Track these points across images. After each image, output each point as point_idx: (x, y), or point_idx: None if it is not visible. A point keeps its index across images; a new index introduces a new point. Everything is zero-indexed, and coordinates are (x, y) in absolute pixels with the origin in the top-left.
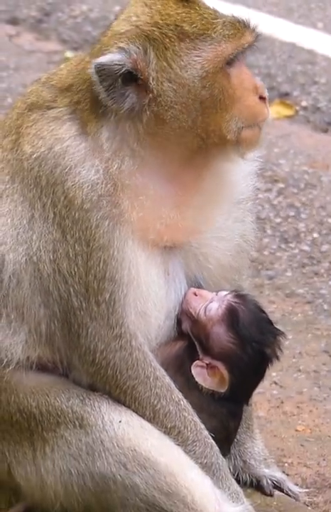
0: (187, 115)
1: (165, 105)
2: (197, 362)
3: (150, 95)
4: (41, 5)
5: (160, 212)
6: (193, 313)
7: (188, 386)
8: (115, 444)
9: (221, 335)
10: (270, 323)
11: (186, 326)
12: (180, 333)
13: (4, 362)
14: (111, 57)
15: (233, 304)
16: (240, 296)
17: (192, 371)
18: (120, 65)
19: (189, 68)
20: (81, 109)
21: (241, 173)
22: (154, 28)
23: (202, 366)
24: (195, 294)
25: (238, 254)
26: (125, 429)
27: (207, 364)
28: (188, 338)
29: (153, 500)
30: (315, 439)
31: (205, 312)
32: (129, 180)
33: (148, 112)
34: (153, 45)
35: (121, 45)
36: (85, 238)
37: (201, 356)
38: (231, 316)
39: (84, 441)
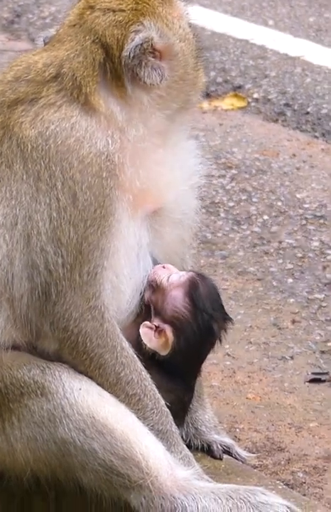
0: (192, 69)
1: (178, 66)
2: (145, 323)
3: (167, 63)
4: (13, 7)
5: (155, 178)
6: (157, 280)
7: (149, 362)
8: (75, 411)
9: (177, 298)
10: (223, 307)
11: (147, 294)
12: (144, 310)
13: None
14: (139, 38)
15: (195, 276)
16: (203, 275)
17: (140, 331)
18: (147, 42)
19: (183, 24)
20: (80, 91)
21: (194, 152)
22: (145, 4)
23: (150, 327)
24: (163, 267)
25: (189, 229)
26: (84, 396)
27: (155, 326)
28: (147, 312)
29: (110, 465)
30: (265, 406)
31: (168, 279)
32: (138, 147)
33: (167, 78)
34: (154, 19)
35: (137, 25)
36: (94, 205)
37: (152, 319)
38: (191, 284)
39: (46, 408)
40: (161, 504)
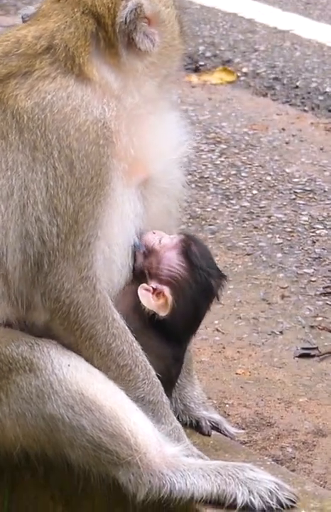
0: (178, 35)
1: (166, 32)
2: (143, 285)
3: (157, 29)
4: None
5: (146, 146)
6: (149, 245)
7: (141, 327)
8: (63, 388)
9: (172, 259)
10: (216, 265)
11: (139, 260)
12: (135, 278)
13: None
14: (132, 4)
15: (186, 237)
16: (193, 236)
17: (138, 293)
18: (139, 7)
19: None
20: (74, 62)
21: (177, 120)
22: None
23: (148, 289)
24: (153, 233)
25: (175, 201)
26: (73, 372)
27: (153, 288)
28: (140, 280)
29: (98, 441)
30: (254, 381)
31: (160, 242)
32: (133, 114)
33: (158, 44)
34: None
35: None
36: (91, 173)
37: (149, 282)
38: (183, 244)
39: (34, 384)
40: (149, 481)
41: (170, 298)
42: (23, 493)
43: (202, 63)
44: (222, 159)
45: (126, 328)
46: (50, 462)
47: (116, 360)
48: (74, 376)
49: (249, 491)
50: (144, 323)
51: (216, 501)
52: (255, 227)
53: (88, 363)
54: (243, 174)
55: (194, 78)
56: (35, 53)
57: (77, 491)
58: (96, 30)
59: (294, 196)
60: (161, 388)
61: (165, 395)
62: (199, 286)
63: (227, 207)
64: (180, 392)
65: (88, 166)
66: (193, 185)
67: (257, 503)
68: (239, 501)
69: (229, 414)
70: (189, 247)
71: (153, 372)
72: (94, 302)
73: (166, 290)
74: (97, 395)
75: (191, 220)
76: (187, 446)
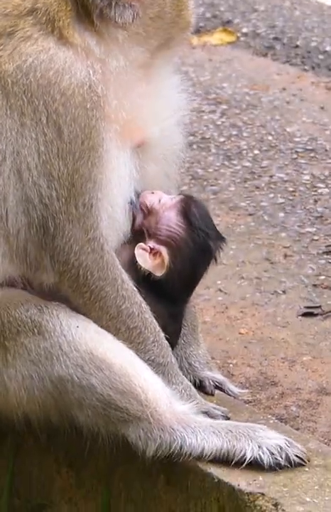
0: (171, 8)
1: (153, 5)
2: (140, 244)
3: (140, 1)
4: None
5: (139, 110)
6: (148, 204)
7: (136, 285)
8: (72, 348)
9: (171, 218)
10: (215, 227)
11: (138, 219)
12: (132, 236)
13: None
14: None
15: (186, 198)
16: (193, 197)
17: (135, 252)
18: None
19: None
20: (54, 26)
21: (177, 85)
22: None
23: (144, 249)
24: (152, 193)
25: (173, 165)
26: (82, 333)
27: (150, 248)
28: (138, 239)
29: (108, 399)
30: (258, 340)
31: (159, 201)
32: (120, 78)
33: (139, 15)
34: None
35: None
36: (81, 136)
37: (147, 241)
38: (183, 204)
39: (43, 346)
40: (160, 436)
41: (166, 258)
42: (27, 458)
43: (201, 24)
44: (223, 120)
45: (135, 289)
46: (52, 427)
47: (125, 322)
48: (83, 337)
49: (259, 447)
50: (139, 281)
51: (225, 457)
52: (257, 187)
53: (96, 324)
54: (244, 134)
55: (194, 39)
56: (19, 14)
57: (80, 452)
58: None
59: (295, 156)
60: (170, 349)
61: (173, 356)
62: (197, 247)
63: (229, 167)
64: (185, 350)
65: (77, 130)
66: (195, 146)
67: (266, 458)
68: (248, 456)
69: (232, 374)
70: (188, 208)
71: (162, 334)
72: (103, 264)
73: (163, 250)
74: (107, 353)
75: (193, 180)
76: (199, 403)
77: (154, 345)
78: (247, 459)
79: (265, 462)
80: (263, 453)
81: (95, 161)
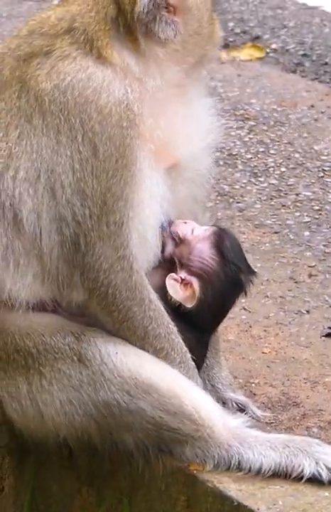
0: (207, 23)
1: (192, 20)
2: (172, 274)
3: (181, 17)
4: None
5: (173, 130)
6: (181, 234)
7: (172, 314)
8: (115, 375)
9: (204, 250)
10: (247, 261)
11: (170, 248)
12: (163, 264)
13: (8, 307)
14: None
15: (219, 230)
16: (225, 229)
17: (166, 283)
18: None
19: None
20: (92, 45)
21: (209, 107)
22: None
23: (176, 279)
24: (185, 222)
25: (202, 188)
26: (122, 359)
27: (181, 279)
28: (169, 266)
29: (160, 421)
30: (280, 360)
31: (192, 232)
32: (157, 97)
33: (180, 31)
34: None
35: None
36: (115, 155)
37: (178, 271)
38: (216, 236)
39: (85, 373)
40: (218, 453)
41: (197, 290)
42: (48, 474)
43: (231, 39)
44: (251, 136)
45: (163, 310)
46: (80, 445)
47: (152, 343)
48: (125, 362)
49: (316, 463)
50: (168, 310)
51: (283, 472)
52: (283, 205)
53: (135, 347)
54: (271, 151)
55: (223, 54)
56: (56, 34)
57: (102, 472)
58: (117, 15)
59: (322, 174)
60: (196, 371)
61: (199, 378)
62: (228, 280)
63: (255, 184)
64: (208, 372)
65: (112, 148)
66: (221, 163)
67: (325, 474)
68: (307, 472)
69: (255, 394)
70: (222, 241)
71: (189, 355)
72: (132, 283)
73: (195, 282)
74: (152, 377)
75: (219, 197)
76: (246, 418)
77: (181, 367)
78: (306, 475)
79: (324, 478)
80: (321, 469)
81: (128, 179)
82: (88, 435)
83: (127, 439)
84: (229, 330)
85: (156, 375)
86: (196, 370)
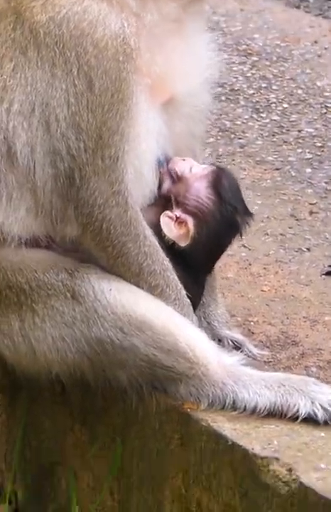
0: None
1: None
2: (166, 212)
3: None
4: None
5: (171, 65)
6: (178, 171)
7: (166, 253)
8: (109, 312)
9: (201, 189)
10: (244, 202)
11: (166, 185)
12: (158, 201)
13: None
14: None
15: (218, 169)
16: (224, 169)
17: (160, 220)
18: None
19: None
20: None
21: (209, 42)
22: None
23: (171, 217)
24: (183, 160)
25: (200, 124)
26: (116, 296)
27: (176, 217)
28: (164, 203)
29: (154, 359)
30: (280, 298)
31: (190, 170)
32: (154, 32)
33: None
34: None
35: None
36: (111, 89)
37: (173, 209)
38: (215, 176)
39: (78, 310)
40: (212, 392)
41: (192, 229)
42: (41, 411)
43: None
44: (253, 72)
45: (158, 246)
46: (72, 382)
47: (147, 280)
48: (119, 299)
49: (312, 402)
50: (162, 244)
51: (279, 412)
52: (285, 142)
53: (129, 284)
54: (273, 87)
55: None
56: None
57: (95, 409)
58: None
59: (325, 110)
60: (191, 308)
61: (194, 315)
62: (224, 220)
63: (257, 120)
64: (204, 310)
65: (107, 82)
66: (223, 98)
67: (320, 414)
68: (302, 412)
69: (253, 332)
70: (220, 180)
71: (184, 292)
72: (126, 218)
73: (189, 220)
74: (146, 314)
75: (220, 133)
76: (241, 356)
77: (176, 304)
78: (301, 415)
79: (320, 418)
80: (317, 409)
81: (124, 114)
82: (81, 372)
83: (120, 376)
84: (228, 267)
85: (150, 312)
86: (191, 307)
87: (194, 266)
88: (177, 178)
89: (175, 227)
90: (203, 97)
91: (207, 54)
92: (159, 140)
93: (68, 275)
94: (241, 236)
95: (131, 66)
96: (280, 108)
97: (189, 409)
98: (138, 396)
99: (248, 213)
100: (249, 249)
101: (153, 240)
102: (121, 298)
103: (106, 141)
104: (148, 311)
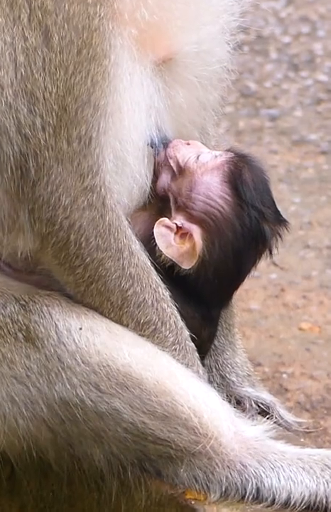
0: None
1: None
2: (163, 219)
3: None
4: None
5: (167, 8)
6: (181, 160)
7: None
8: (79, 360)
9: (212, 186)
10: (275, 203)
11: (164, 180)
12: (152, 202)
13: None
14: None
15: (237, 156)
16: (247, 155)
17: (154, 231)
18: None
19: None
20: None
21: None
22: None
23: (169, 227)
24: (188, 144)
25: (213, 88)
26: (89, 338)
27: (177, 226)
28: (161, 206)
29: (142, 429)
30: (326, 340)
31: (197, 159)
32: None
33: None
34: None
35: None
36: (77, 43)
37: (173, 215)
38: (231, 167)
39: (34, 358)
40: (226, 476)
41: (199, 243)
42: None
43: None
44: (290, 10)
45: (150, 266)
46: (26, 462)
47: (134, 314)
48: (93, 342)
49: None
50: (155, 265)
51: (322, 506)
52: None
53: (108, 320)
54: (319, 33)
55: None
56: None
57: (58, 501)
58: None
59: None
60: (197, 355)
61: (201, 365)
62: (245, 232)
63: (295, 81)
64: (216, 358)
65: (71, 34)
66: (246, 49)
67: None
68: None
69: (286, 389)
70: (239, 173)
71: (186, 333)
72: (104, 226)
73: (196, 231)
74: (132, 364)
75: (241, 100)
76: (265, 425)
77: (174, 349)
78: None
79: None
80: None
81: (98, 77)
82: (38, 448)
83: (95, 454)
84: (251, 295)
85: (139, 362)
86: (196, 354)
87: (203, 296)
88: (178, 170)
89: (176, 240)
90: (216, 54)
91: None
92: (151, 114)
93: (20, 307)
94: (270, 253)
95: (104, 9)
96: (328, 64)
97: (193, 501)
98: (120, 482)
99: (280, 220)
100: (282, 269)
101: (143, 258)
102: (96, 341)
103: (73, 116)
104: (135, 360)
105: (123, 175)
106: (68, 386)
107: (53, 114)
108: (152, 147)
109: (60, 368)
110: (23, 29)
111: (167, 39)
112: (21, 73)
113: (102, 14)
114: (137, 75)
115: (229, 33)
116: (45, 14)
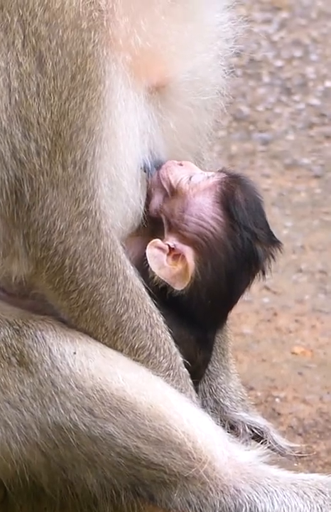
0: None
1: None
2: (155, 241)
3: None
4: None
5: (162, 35)
6: (173, 181)
7: (156, 300)
8: (73, 385)
9: (204, 206)
10: (268, 225)
11: (156, 202)
12: (146, 222)
13: None
14: None
15: (230, 177)
16: (240, 176)
17: (147, 252)
18: None
19: None
20: None
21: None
22: None
23: (161, 248)
24: (180, 164)
25: (207, 116)
26: (83, 363)
27: (170, 248)
28: (153, 229)
29: (136, 453)
30: (318, 365)
31: (189, 180)
32: None
33: None
34: None
35: None
36: (71, 68)
37: (165, 236)
38: (224, 187)
39: (28, 382)
40: (220, 501)
41: (191, 265)
42: None
43: None
44: (282, 34)
45: (144, 291)
46: (18, 487)
47: (128, 339)
48: (87, 367)
49: None
50: (149, 289)
51: None
52: (327, 137)
53: (102, 345)
54: (312, 57)
55: None
56: None
57: None
58: None
59: None
60: (190, 382)
61: (194, 391)
62: (238, 253)
63: (288, 105)
64: (210, 382)
65: (65, 59)
66: (239, 73)
67: None
68: None
69: (279, 413)
70: (231, 194)
71: (180, 359)
72: (99, 251)
73: (188, 253)
74: (126, 388)
75: (235, 123)
76: (261, 450)
77: (168, 374)
78: None
79: None
80: None
81: (92, 103)
82: (31, 472)
83: (88, 479)
84: (243, 319)
85: (133, 387)
86: (189, 379)
87: (197, 317)
88: (171, 191)
89: (168, 262)
90: (212, 80)
91: (216, 17)
92: (145, 140)
93: (14, 332)
94: (263, 275)
95: (99, 36)
96: (320, 88)
97: None
98: (113, 507)
99: (273, 241)
100: (274, 293)
101: (137, 283)
102: (90, 365)
103: (68, 141)
104: (129, 384)
105: (118, 199)
106: (62, 410)
107: (48, 139)
108: (145, 171)
109: (53, 393)
110: (17, 54)
111: (162, 65)
112: (15, 98)
113: (96, 40)
114: (131, 101)
115: (223, 59)
116: (38, 40)
